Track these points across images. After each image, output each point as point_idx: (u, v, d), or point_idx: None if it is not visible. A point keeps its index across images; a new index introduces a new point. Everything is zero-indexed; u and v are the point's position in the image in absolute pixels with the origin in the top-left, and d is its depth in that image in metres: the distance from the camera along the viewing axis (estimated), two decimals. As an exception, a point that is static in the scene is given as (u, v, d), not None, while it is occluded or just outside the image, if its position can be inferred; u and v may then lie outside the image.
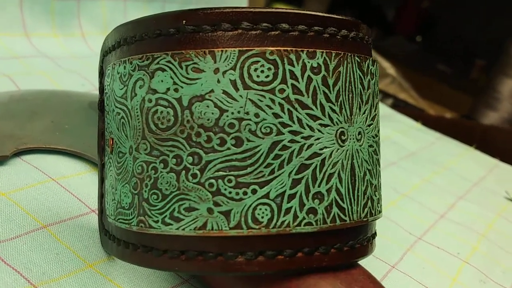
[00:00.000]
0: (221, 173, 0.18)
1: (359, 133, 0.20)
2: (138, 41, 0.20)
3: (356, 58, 0.20)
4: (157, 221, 0.19)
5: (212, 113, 0.18)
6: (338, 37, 0.20)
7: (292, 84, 0.19)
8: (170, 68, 0.19)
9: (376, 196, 0.21)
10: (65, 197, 0.26)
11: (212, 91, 0.18)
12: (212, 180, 0.18)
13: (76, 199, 0.26)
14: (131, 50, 0.20)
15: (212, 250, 0.19)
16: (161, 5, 0.58)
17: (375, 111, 0.21)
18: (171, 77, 0.19)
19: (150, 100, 0.19)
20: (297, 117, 0.19)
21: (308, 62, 0.19)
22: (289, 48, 0.19)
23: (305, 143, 0.19)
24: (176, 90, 0.19)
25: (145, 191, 0.19)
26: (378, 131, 0.22)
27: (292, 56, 0.19)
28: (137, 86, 0.20)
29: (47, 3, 0.45)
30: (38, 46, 0.44)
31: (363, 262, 0.29)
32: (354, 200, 0.20)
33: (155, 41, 0.19)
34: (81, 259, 0.23)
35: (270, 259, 0.19)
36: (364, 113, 0.20)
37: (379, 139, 0.22)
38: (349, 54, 0.20)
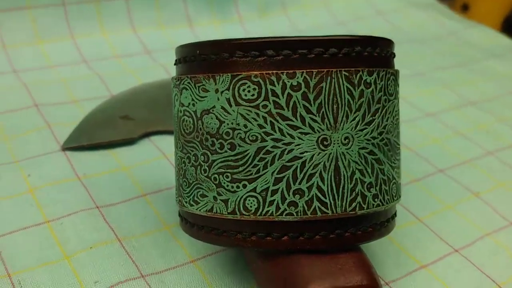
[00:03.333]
0: (221, 170, 0.24)
1: (346, 138, 0.23)
2: (176, 64, 0.26)
3: (344, 72, 0.23)
4: (186, 202, 0.25)
5: (215, 124, 0.23)
6: (326, 55, 0.23)
7: (273, 101, 0.22)
8: (190, 88, 0.24)
9: (370, 192, 0.24)
10: (169, 171, 0.34)
11: (214, 106, 0.23)
12: (216, 175, 0.24)
13: (177, 173, 0.34)
14: (175, 72, 0.26)
15: (219, 227, 0.24)
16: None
17: (371, 116, 0.24)
18: (190, 95, 0.24)
19: (180, 111, 0.25)
20: (278, 127, 0.23)
21: (288, 82, 0.22)
22: (270, 71, 0.22)
23: (286, 148, 0.23)
24: (193, 104, 0.24)
25: (181, 178, 0.26)
26: (381, 133, 0.24)
27: (273, 78, 0.22)
28: (175, 99, 0.26)
29: (208, -6, 0.53)
30: (200, 35, 0.53)
31: (424, 242, 0.31)
32: (339, 195, 0.23)
33: (183, 66, 0.25)
34: (161, 222, 0.30)
35: (261, 239, 0.23)
36: (354, 120, 0.23)
37: (382, 140, 0.24)
38: (334, 71, 0.23)
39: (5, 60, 0.43)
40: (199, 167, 0.24)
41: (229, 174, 0.23)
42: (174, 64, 0.27)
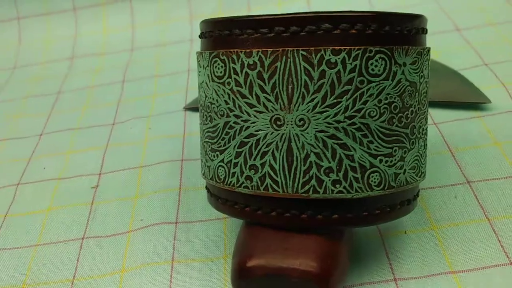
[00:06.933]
0: (207, 139, 0.26)
1: (301, 119, 0.23)
2: None
3: (302, 52, 0.22)
4: (201, 164, 0.29)
5: (203, 97, 0.26)
6: (286, 34, 0.23)
7: (234, 79, 0.24)
8: (197, 64, 0.27)
9: (329, 177, 0.23)
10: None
11: (203, 81, 0.26)
12: (204, 143, 0.26)
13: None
14: None
15: (210, 190, 0.27)
16: None
17: (336, 98, 0.22)
18: (197, 69, 0.27)
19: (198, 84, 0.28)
20: (238, 104, 0.24)
21: (246, 60, 0.23)
22: (233, 50, 0.24)
23: (244, 125, 0.24)
24: (198, 78, 0.27)
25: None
26: (351, 117, 0.23)
27: (234, 56, 0.24)
28: None
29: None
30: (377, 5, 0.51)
31: (476, 246, 0.27)
32: (290, 176, 0.23)
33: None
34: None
35: (230, 206, 0.25)
36: (311, 101, 0.23)
37: (352, 124, 0.23)
38: (290, 50, 0.22)
39: (189, 30, 0.51)
40: (202, 134, 0.27)
41: (210, 144, 0.26)
42: None
